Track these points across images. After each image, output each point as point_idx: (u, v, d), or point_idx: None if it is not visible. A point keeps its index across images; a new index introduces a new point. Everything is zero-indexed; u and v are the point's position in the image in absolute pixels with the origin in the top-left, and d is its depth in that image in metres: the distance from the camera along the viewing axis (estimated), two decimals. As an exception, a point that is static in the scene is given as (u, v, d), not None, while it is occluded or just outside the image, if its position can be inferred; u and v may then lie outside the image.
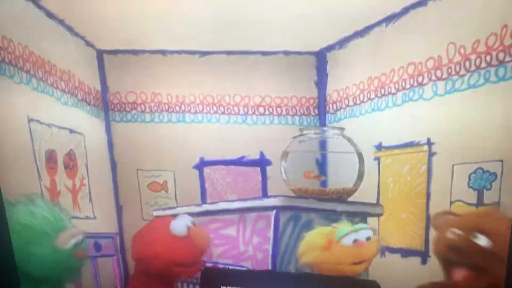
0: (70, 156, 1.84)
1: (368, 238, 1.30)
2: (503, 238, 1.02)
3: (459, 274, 1.15)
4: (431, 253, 1.54)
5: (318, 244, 1.29)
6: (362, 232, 1.31)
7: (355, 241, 1.28)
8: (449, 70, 1.59)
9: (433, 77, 1.65)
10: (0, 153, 1.39)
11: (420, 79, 1.70)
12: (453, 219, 1.26)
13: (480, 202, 1.45)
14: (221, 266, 1.45)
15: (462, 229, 1.15)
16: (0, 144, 1.39)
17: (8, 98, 1.49)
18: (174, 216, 1.39)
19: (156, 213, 1.79)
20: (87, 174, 1.89)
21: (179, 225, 1.31)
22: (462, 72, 1.54)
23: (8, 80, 1.51)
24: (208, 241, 1.34)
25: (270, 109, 2.23)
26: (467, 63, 1.52)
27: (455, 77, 1.57)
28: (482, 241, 1.09)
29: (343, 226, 1.33)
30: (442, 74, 1.62)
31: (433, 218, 1.44)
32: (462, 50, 1.53)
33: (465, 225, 1.15)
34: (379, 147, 1.83)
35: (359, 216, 1.60)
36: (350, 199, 1.72)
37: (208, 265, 1.43)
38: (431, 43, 1.64)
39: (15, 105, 1.52)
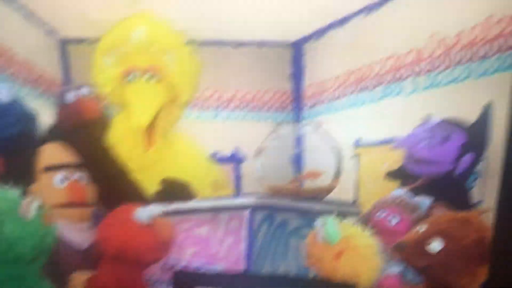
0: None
1: None
2: (459, 247, 1.03)
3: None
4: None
5: (326, 255, 1.17)
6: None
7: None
8: (431, 64, 1.55)
9: (414, 71, 1.61)
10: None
11: (400, 73, 1.66)
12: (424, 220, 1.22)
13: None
14: (193, 267, 1.37)
15: (425, 230, 1.11)
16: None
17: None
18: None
19: (122, 209, 1.71)
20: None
21: (145, 212, 1.22)
22: (444, 65, 1.50)
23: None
24: (171, 232, 1.26)
25: (243, 104, 2.20)
26: (450, 56, 1.48)
27: (436, 71, 1.53)
28: (435, 246, 1.06)
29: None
30: (422, 68, 1.58)
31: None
32: (445, 43, 1.49)
33: (431, 227, 1.12)
34: (358, 144, 1.80)
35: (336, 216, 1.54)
36: (326, 198, 1.66)
37: (180, 267, 1.34)
38: (412, 34, 1.60)
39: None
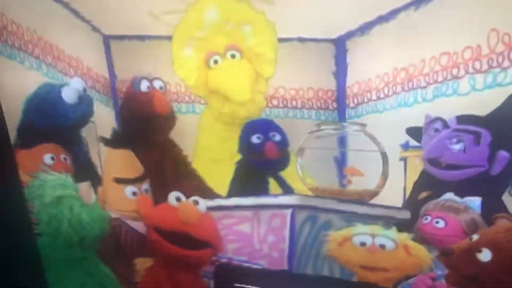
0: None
1: (382, 246, 1.22)
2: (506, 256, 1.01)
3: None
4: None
5: (335, 238, 1.28)
6: (379, 238, 1.23)
7: (362, 243, 1.23)
8: (490, 62, 1.46)
9: (471, 70, 1.52)
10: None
11: (455, 71, 1.57)
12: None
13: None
14: (235, 263, 1.40)
15: (477, 239, 1.09)
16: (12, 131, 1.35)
17: (20, 84, 1.48)
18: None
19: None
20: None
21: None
22: (506, 64, 1.41)
23: (19, 65, 1.52)
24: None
25: (284, 102, 2.14)
26: (512, 54, 1.39)
27: (497, 70, 1.43)
28: (484, 256, 1.03)
29: (365, 227, 1.28)
30: (481, 66, 1.49)
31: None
32: (506, 39, 1.40)
33: (484, 237, 1.09)
34: (406, 146, 1.73)
35: (382, 220, 1.51)
36: (372, 202, 1.61)
37: (223, 260, 1.40)
38: (469, 29, 1.50)
39: (28, 91, 1.48)
